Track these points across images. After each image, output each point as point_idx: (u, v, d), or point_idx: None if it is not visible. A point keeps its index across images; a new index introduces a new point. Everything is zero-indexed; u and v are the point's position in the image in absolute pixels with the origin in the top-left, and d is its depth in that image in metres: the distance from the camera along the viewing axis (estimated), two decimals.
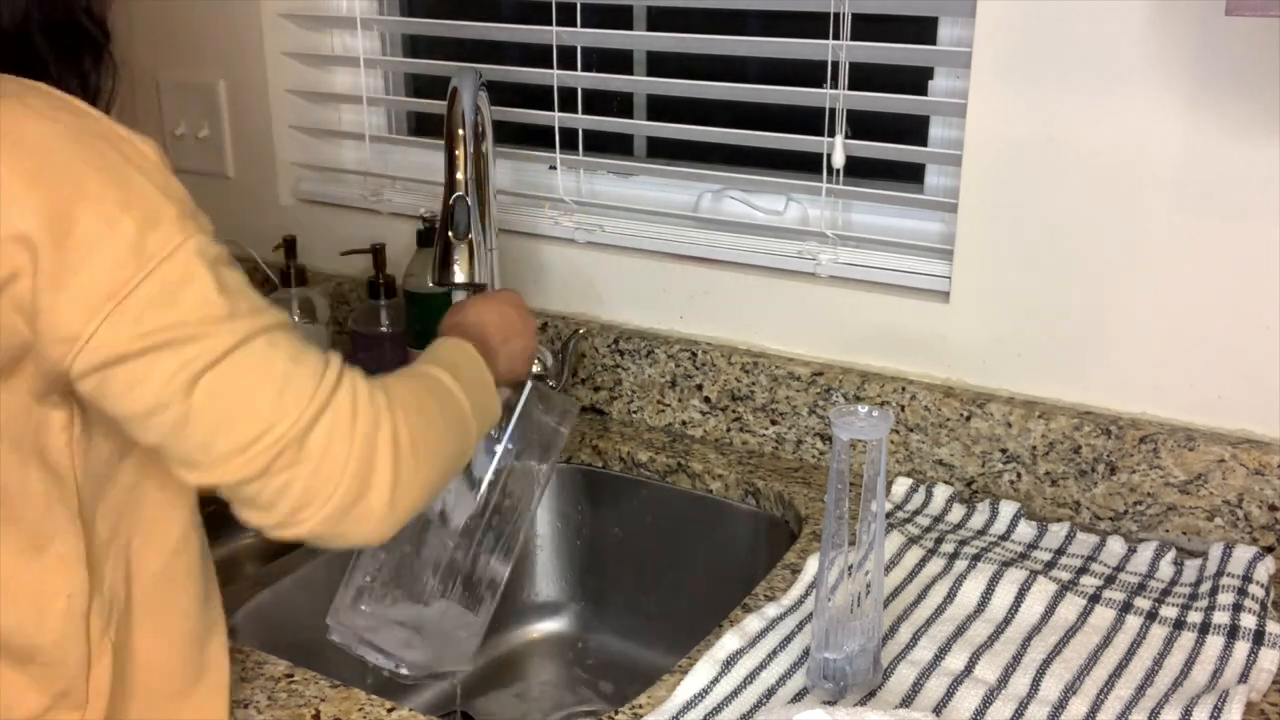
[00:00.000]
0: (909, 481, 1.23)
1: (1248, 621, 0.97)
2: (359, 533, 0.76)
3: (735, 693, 0.91)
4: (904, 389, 1.23)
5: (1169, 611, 1.00)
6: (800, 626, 0.98)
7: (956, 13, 1.20)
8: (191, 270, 0.71)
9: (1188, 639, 0.97)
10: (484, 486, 1.07)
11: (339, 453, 0.73)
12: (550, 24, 1.39)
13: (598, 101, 1.44)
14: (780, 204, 1.36)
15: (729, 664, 0.94)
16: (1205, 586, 1.03)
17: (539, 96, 1.43)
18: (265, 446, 0.71)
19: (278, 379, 0.72)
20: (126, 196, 0.70)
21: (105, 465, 0.79)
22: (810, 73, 1.25)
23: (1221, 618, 0.97)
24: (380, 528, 0.76)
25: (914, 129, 1.28)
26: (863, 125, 1.26)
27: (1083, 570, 1.06)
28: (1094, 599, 1.02)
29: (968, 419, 1.20)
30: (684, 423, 1.37)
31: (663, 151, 1.49)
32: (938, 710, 0.89)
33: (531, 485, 1.11)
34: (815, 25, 1.23)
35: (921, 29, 1.24)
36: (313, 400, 0.73)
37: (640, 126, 1.48)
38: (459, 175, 1.21)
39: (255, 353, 0.72)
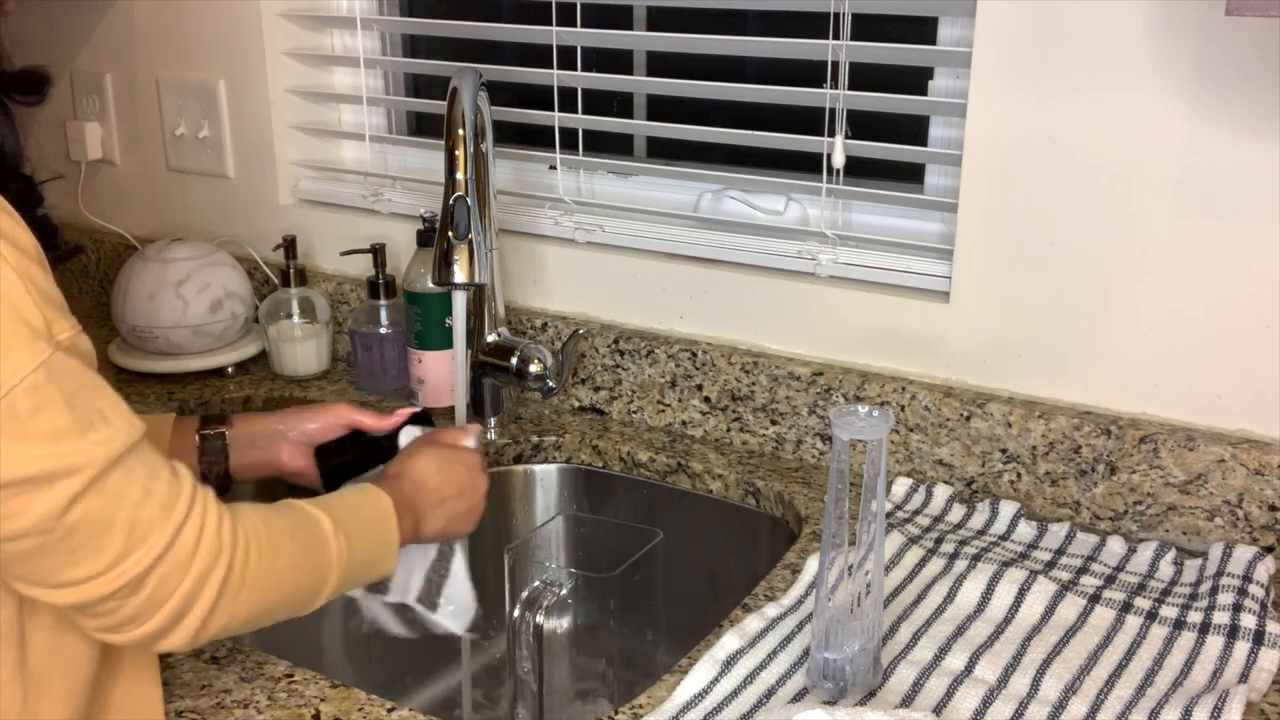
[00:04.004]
0: (909, 481, 1.23)
1: (1248, 621, 0.97)
2: (167, 645, 0.78)
3: (735, 693, 0.91)
4: (904, 389, 1.23)
5: (1169, 611, 1.00)
6: (800, 626, 0.98)
7: (956, 13, 1.20)
8: (41, 398, 0.68)
9: (1188, 639, 0.97)
10: None
11: (170, 585, 0.75)
12: (550, 24, 1.39)
13: (598, 101, 1.44)
14: (780, 204, 1.36)
15: (729, 664, 0.94)
16: (1205, 586, 1.03)
17: (539, 96, 1.43)
18: (108, 580, 0.72)
19: (128, 518, 0.72)
20: None
21: None
22: (810, 73, 1.25)
23: (1221, 618, 0.97)
24: (185, 645, 0.78)
25: (914, 129, 1.28)
26: (863, 125, 1.26)
27: (1083, 570, 1.06)
28: (1094, 599, 1.02)
29: (968, 419, 1.20)
30: (684, 423, 1.37)
31: (662, 151, 1.49)
32: (938, 710, 0.89)
33: None
34: (815, 25, 1.23)
35: (921, 29, 1.24)
36: (159, 540, 0.73)
37: (640, 126, 1.48)
38: (459, 175, 1.21)
39: (109, 490, 0.71)
